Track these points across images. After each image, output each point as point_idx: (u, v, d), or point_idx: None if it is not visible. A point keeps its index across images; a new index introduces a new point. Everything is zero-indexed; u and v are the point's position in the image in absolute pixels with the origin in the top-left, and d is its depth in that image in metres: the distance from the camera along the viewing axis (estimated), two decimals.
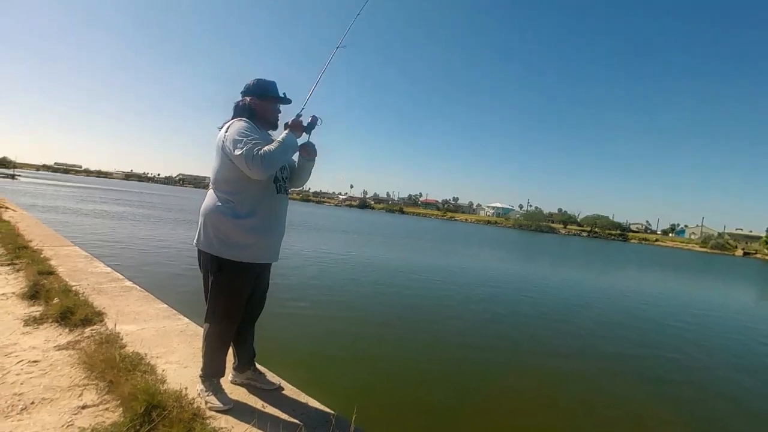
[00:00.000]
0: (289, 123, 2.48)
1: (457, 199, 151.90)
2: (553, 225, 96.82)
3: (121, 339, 3.15)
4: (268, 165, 2.22)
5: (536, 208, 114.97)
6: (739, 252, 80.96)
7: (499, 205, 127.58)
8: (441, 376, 5.50)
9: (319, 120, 2.55)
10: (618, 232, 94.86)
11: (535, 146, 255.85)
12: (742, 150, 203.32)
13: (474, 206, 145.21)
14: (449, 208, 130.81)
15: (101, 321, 3.53)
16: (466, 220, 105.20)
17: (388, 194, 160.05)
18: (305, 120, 2.52)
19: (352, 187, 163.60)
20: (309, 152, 2.60)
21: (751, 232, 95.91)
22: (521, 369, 6.20)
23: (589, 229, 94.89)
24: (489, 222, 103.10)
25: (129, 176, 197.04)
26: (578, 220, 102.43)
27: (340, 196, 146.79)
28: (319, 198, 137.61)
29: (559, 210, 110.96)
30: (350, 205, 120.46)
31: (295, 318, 7.06)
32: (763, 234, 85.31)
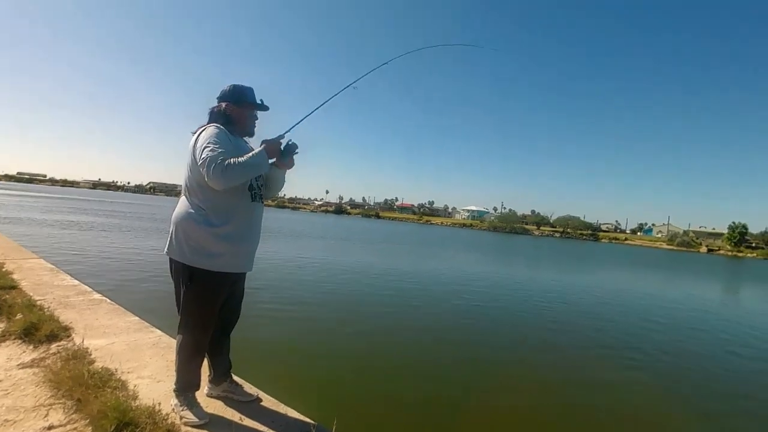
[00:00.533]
0: (267, 144, 2.39)
1: (433, 202, 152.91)
2: (527, 227, 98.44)
3: (90, 354, 3.03)
4: (227, 178, 2.15)
5: (510, 210, 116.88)
6: (704, 249, 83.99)
7: (474, 208, 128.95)
8: (423, 381, 5.48)
9: (296, 148, 2.50)
10: (589, 232, 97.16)
11: (509, 149, 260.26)
12: (705, 150, 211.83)
13: (449, 210, 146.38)
14: (425, 212, 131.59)
15: (68, 336, 3.39)
16: (442, 223, 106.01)
17: (364, 199, 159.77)
18: (284, 143, 2.46)
19: (327, 192, 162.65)
20: (285, 165, 2.55)
21: (714, 229, 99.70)
22: (507, 371, 6.24)
23: (561, 230, 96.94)
24: (465, 225, 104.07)
25: (97, 185, 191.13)
26: (551, 221, 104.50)
27: (316, 202, 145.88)
28: (295, 204, 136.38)
29: (533, 212, 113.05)
30: (326, 211, 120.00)
31: (273, 326, 6.95)
32: (725, 231, 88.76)
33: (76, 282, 5.49)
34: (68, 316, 3.89)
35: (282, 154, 2.46)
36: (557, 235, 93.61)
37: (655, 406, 5.35)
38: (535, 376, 6.07)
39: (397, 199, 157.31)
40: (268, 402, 2.69)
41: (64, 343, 3.25)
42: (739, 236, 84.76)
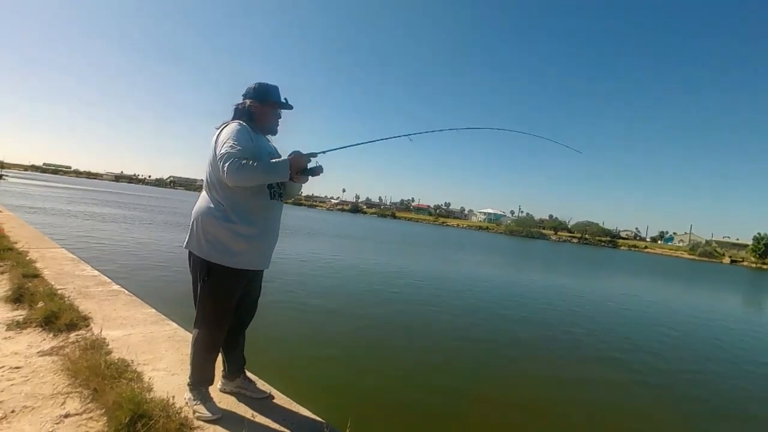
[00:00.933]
0: (294, 157, 2.37)
1: (449, 204, 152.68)
2: (544, 231, 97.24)
3: (107, 345, 3.07)
4: (241, 177, 2.15)
5: (527, 214, 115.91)
6: (727, 260, 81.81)
7: (490, 210, 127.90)
8: (439, 383, 5.45)
9: (321, 172, 2.48)
10: (608, 238, 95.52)
11: (527, 153, 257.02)
12: (729, 158, 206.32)
13: (466, 212, 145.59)
14: (441, 214, 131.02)
15: (87, 326, 3.45)
16: (457, 225, 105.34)
17: (380, 198, 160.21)
18: (313, 163, 2.44)
19: (344, 191, 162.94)
20: (301, 180, 2.53)
21: (738, 240, 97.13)
22: (521, 373, 6.21)
23: (579, 235, 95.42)
24: (480, 228, 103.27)
25: (119, 178, 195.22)
26: (569, 226, 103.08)
27: (333, 200, 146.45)
28: (311, 202, 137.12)
29: (550, 216, 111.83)
30: (342, 210, 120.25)
31: (287, 325, 6.98)
32: (750, 242, 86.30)
33: (96, 272, 5.59)
34: (87, 306, 3.96)
35: (304, 171, 2.43)
36: (575, 240, 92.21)
37: (661, 415, 5.22)
38: (541, 379, 6.00)
39: (413, 200, 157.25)
40: (281, 400, 2.68)
41: (83, 332, 3.31)
42: (765, 248, 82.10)
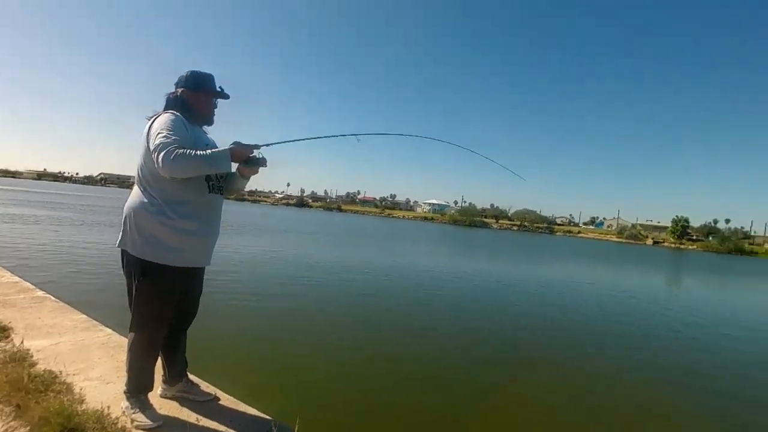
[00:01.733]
0: (236, 147, 2.25)
1: (395, 196, 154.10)
2: (486, 220, 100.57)
3: (31, 356, 2.84)
4: (178, 167, 2.03)
5: (470, 204, 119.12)
6: (650, 241, 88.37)
7: (435, 201, 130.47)
8: (388, 374, 5.48)
9: (264, 164, 2.38)
10: (545, 225, 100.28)
11: (467, 142, 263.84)
12: (650, 148, 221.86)
13: (411, 203, 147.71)
14: (387, 206, 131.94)
15: (7, 337, 3.17)
16: (403, 216, 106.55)
17: (326, 192, 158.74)
18: (258, 154, 2.33)
19: (288, 185, 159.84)
20: (247, 173, 2.43)
21: (659, 222, 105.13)
22: (470, 362, 6.30)
23: (519, 223, 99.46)
24: (426, 218, 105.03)
25: (42, 176, 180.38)
26: (509, 215, 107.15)
27: (277, 195, 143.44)
28: (255, 197, 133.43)
29: (492, 205, 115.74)
30: (287, 204, 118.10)
31: (232, 322, 6.75)
32: (669, 224, 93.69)
33: (17, 279, 5.15)
34: (7, 315, 3.64)
35: (247, 162, 2.34)
36: (515, 228, 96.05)
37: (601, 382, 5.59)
38: (488, 364, 6.22)
39: (359, 192, 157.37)
40: (227, 401, 2.60)
41: (2, 344, 3.03)
42: (682, 229, 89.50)
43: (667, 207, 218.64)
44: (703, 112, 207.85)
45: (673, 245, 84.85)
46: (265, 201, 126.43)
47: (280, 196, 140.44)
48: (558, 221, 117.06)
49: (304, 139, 2.84)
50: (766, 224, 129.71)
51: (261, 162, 2.36)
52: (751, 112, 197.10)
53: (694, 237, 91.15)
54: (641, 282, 20.37)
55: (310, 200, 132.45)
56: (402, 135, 3.65)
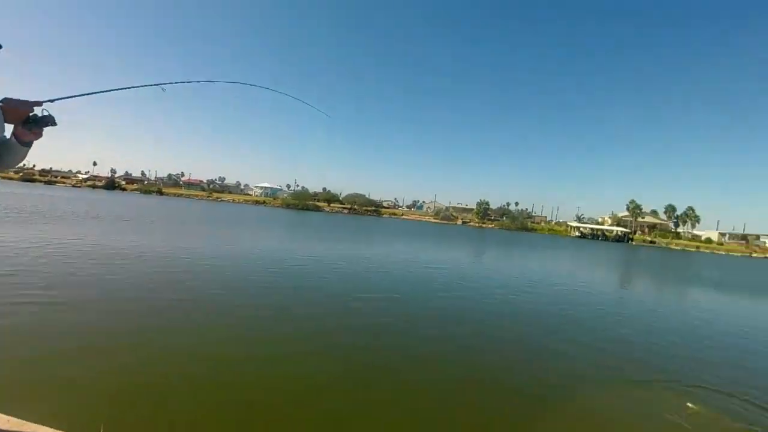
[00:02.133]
0: (6, 105, 1.83)
1: (224, 179, 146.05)
2: (318, 204, 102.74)
3: None
4: None
5: (303, 188, 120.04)
6: (460, 222, 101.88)
7: (267, 185, 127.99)
8: (204, 372, 5.42)
9: (52, 123, 1.98)
10: (373, 208, 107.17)
11: (296, 126, 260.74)
12: (458, 135, 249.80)
13: (242, 186, 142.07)
14: (216, 189, 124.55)
15: None
16: (234, 200, 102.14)
17: (143, 173, 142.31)
18: (39, 113, 1.94)
19: (95, 164, 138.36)
20: (29, 136, 1.96)
21: (467, 205, 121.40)
22: (289, 349, 6.48)
23: (349, 206, 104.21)
24: (258, 202, 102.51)
25: None
26: (340, 198, 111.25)
27: (80, 175, 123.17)
28: (49, 177, 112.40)
29: (324, 189, 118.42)
30: (94, 186, 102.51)
31: (8, 331, 6.08)
32: (474, 207, 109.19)
33: None
34: None
35: (29, 122, 1.91)
36: (346, 211, 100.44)
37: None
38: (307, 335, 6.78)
39: (183, 174, 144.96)
40: (8, 423, 2.38)
41: None
42: (483, 211, 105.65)
43: (474, 192, 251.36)
44: (495, 109, 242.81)
45: (477, 224, 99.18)
46: (64, 182, 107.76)
47: (85, 176, 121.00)
48: (384, 204, 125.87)
49: (100, 92, 2.46)
50: (542, 207, 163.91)
51: (47, 120, 1.95)
52: (531, 113, 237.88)
53: (493, 217, 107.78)
54: (445, 255, 24.03)
55: (123, 182, 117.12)
56: (210, 81, 3.64)
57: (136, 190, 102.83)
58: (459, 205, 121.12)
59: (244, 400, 4.87)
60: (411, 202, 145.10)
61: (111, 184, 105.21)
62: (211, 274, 11.96)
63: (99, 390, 4.64)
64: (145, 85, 2.61)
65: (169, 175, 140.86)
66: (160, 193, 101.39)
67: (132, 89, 2.60)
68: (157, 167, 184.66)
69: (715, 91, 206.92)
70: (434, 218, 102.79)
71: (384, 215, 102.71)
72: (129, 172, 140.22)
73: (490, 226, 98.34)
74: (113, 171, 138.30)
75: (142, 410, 4.33)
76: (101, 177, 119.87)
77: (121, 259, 12.62)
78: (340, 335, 7.73)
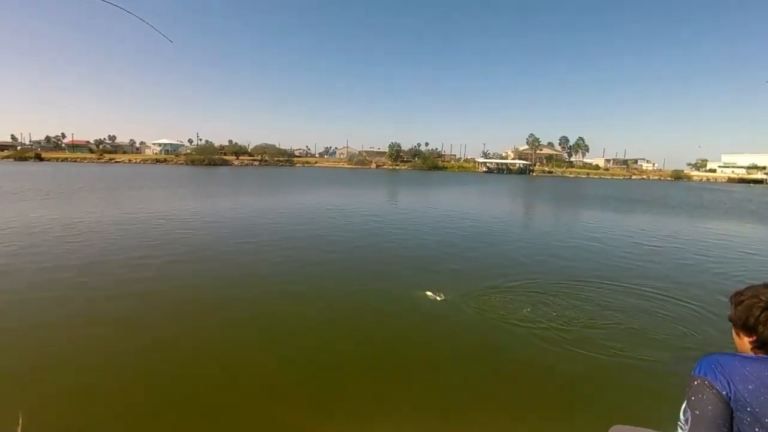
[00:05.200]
0: None
1: (115, 137, 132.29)
2: (225, 158, 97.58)
3: None
4: None
5: (207, 141, 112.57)
6: (374, 165, 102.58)
7: (166, 141, 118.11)
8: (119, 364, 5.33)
9: None
10: (285, 158, 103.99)
11: (194, 78, 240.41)
12: (371, 82, 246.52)
13: (137, 145, 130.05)
14: (107, 149, 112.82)
15: None
16: (129, 161, 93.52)
17: (13, 138, 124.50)
18: None
19: None
20: None
21: (379, 149, 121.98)
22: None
23: (260, 158, 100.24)
24: (158, 161, 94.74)
25: None
26: (249, 150, 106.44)
27: None
28: None
29: (230, 142, 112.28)
30: None
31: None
32: (387, 149, 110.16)
33: None
34: None
35: None
36: (256, 163, 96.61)
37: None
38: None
39: (64, 136, 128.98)
40: None
41: None
42: (396, 153, 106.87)
43: (384, 135, 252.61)
44: (401, 48, 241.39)
45: (391, 167, 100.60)
46: None
47: None
48: (297, 153, 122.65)
49: None
50: (451, 145, 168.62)
51: None
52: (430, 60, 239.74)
53: (405, 159, 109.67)
54: (367, 198, 24.41)
55: None
56: None
57: (8, 157, 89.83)
58: (372, 149, 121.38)
59: None
60: (323, 149, 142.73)
61: None
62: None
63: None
64: None
65: (48, 138, 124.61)
66: (40, 158, 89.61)
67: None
68: (32, 130, 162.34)
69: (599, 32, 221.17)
70: (348, 164, 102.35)
71: (297, 165, 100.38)
72: None
73: (403, 167, 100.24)
74: None
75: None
76: None
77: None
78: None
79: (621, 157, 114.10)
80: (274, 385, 4.55)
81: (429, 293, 7.33)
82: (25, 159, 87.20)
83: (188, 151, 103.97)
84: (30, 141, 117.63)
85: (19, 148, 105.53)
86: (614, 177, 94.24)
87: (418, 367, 5.03)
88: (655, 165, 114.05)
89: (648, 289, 7.96)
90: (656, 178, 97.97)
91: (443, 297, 7.19)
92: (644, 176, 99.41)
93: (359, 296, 7.32)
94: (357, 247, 11.20)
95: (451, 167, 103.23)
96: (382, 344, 5.60)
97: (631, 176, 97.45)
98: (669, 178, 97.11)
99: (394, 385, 4.63)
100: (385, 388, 4.55)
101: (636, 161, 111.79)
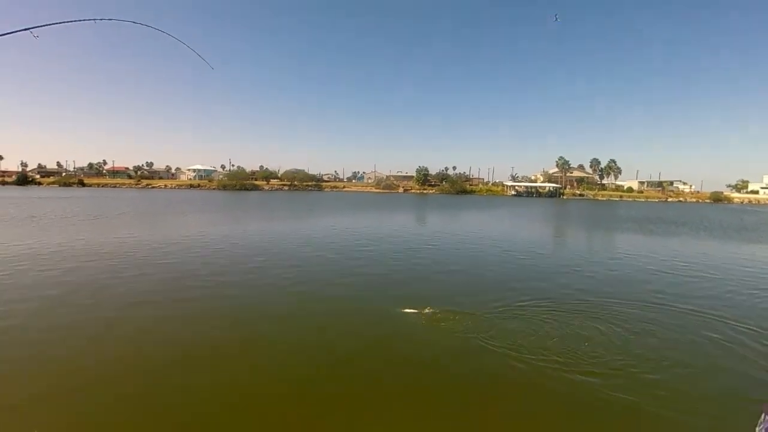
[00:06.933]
0: None
1: (152, 164, 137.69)
2: (256, 182, 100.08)
3: None
4: None
5: (239, 167, 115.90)
6: (401, 189, 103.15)
7: (200, 167, 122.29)
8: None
9: None
10: (314, 183, 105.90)
11: (220, 103, 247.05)
12: (395, 107, 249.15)
13: (173, 171, 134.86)
14: (144, 175, 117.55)
15: None
16: (165, 186, 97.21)
17: (59, 165, 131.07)
18: None
19: (1, 158, 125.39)
20: None
21: (407, 173, 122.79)
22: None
23: (289, 183, 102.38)
24: (192, 186, 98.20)
25: None
26: (279, 175, 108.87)
27: None
28: None
29: (261, 167, 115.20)
30: (3, 182, 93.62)
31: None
32: (414, 174, 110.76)
33: None
34: None
35: None
36: (286, 188, 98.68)
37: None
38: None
39: (105, 163, 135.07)
40: None
41: None
42: (423, 177, 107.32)
43: (412, 158, 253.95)
44: (426, 77, 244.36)
45: (418, 191, 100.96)
46: None
47: None
48: (325, 178, 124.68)
49: None
50: (479, 169, 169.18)
51: None
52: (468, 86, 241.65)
53: (433, 183, 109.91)
54: (398, 222, 24.62)
55: (37, 175, 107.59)
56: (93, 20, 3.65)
57: (53, 183, 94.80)
58: (399, 173, 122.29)
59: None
60: (351, 174, 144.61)
61: (23, 179, 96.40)
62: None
63: None
64: (12, 32, 2.23)
65: (90, 165, 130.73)
66: (83, 184, 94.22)
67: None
68: (75, 157, 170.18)
69: (628, 50, 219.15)
70: (376, 188, 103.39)
71: (326, 189, 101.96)
72: (42, 164, 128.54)
73: (431, 191, 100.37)
74: (24, 164, 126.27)
75: None
76: (10, 172, 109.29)
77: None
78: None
79: (655, 178, 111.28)
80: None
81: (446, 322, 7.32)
82: (70, 185, 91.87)
83: (221, 176, 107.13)
84: (74, 168, 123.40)
85: (63, 174, 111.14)
86: (649, 199, 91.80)
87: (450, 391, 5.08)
88: (693, 187, 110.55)
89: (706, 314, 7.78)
90: (694, 200, 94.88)
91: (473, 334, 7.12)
92: (681, 198, 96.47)
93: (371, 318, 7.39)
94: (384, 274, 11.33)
95: (479, 191, 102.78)
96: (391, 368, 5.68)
97: (666, 199, 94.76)
98: (707, 201, 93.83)
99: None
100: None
101: (671, 183, 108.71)
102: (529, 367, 5.51)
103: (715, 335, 6.81)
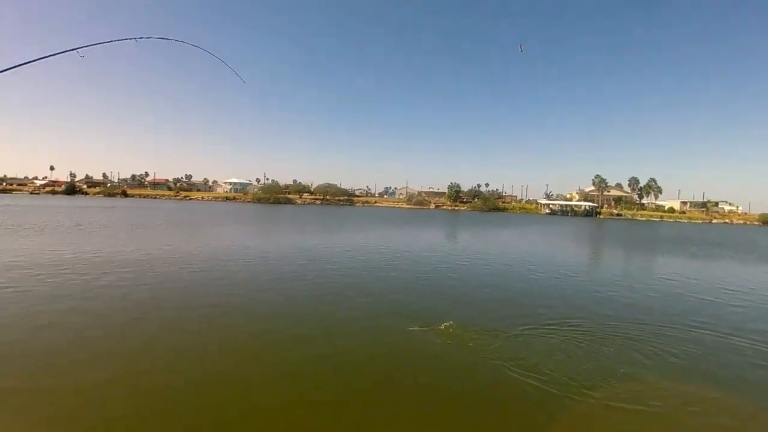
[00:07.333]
0: None
1: (191, 176, 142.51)
2: (289, 196, 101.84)
3: None
4: None
5: (273, 181, 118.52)
6: (433, 206, 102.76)
7: (236, 180, 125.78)
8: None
9: None
10: (345, 197, 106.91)
11: (263, 118, 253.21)
12: (427, 123, 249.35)
13: (210, 183, 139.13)
14: (183, 187, 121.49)
15: None
16: (202, 198, 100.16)
17: (105, 176, 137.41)
18: None
19: (53, 169, 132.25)
20: None
21: (438, 189, 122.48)
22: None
23: (321, 197, 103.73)
24: (228, 198, 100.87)
25: None
26: (312, 189, 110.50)
27: (37, 182, 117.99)
28: (4, 185, 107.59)
29: (294, 181, 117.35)
30: (54, 192, 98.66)
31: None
32: (446, 190, 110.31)
33: None
34: None
35: None
36: (318, 202, 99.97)
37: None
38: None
39: (147, 174, 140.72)
40: None
41: None
42: (455, 194, 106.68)
43: (444, 175, 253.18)
44: (465, 102, 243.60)
45: (450, 207, 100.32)
46: (20, 190, 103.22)
47: (42, 182, 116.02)
48: (357, 193, 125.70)
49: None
50: (512, 186, 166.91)
51: None
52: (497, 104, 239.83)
53: (464, 199, 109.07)
54: (430, 238, 24.46)
55: (84, 186, 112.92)
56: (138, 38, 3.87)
57: (99, 193, 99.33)
58: (431, 189, 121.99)
59: None
60: (383, 189, 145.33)
61: (71, 189, 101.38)
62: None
63: None
64: (60, 52, 2.34)
65: (133, 176, 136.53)
66: (125, 195, 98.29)
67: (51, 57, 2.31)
68: (119, 169, 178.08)
69: (668, 66, 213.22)
70: (408, 204, 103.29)
71: (357, 204, 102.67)
72: (90, 175, 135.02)
73: (462, 208, 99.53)
74: (72, 175, 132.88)
75: None
76: (60, 182, 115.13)
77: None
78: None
79: (699, 199, 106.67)
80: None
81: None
82: (113, 195, 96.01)
83: (255, 189, 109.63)
84: (118, 179, 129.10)
85: (108, 185, 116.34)
86: (692, 220, 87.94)
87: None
88: (740, 208, 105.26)
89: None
90: (741, 222, 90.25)
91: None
92: (726, 220, 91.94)
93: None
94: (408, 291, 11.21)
95: (512, 208, 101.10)
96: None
97: (711, 220, 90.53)
98: (756, 223, 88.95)
99: None
100: None
101: (716, 204, 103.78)
102: (549, 395, 5.27)
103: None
